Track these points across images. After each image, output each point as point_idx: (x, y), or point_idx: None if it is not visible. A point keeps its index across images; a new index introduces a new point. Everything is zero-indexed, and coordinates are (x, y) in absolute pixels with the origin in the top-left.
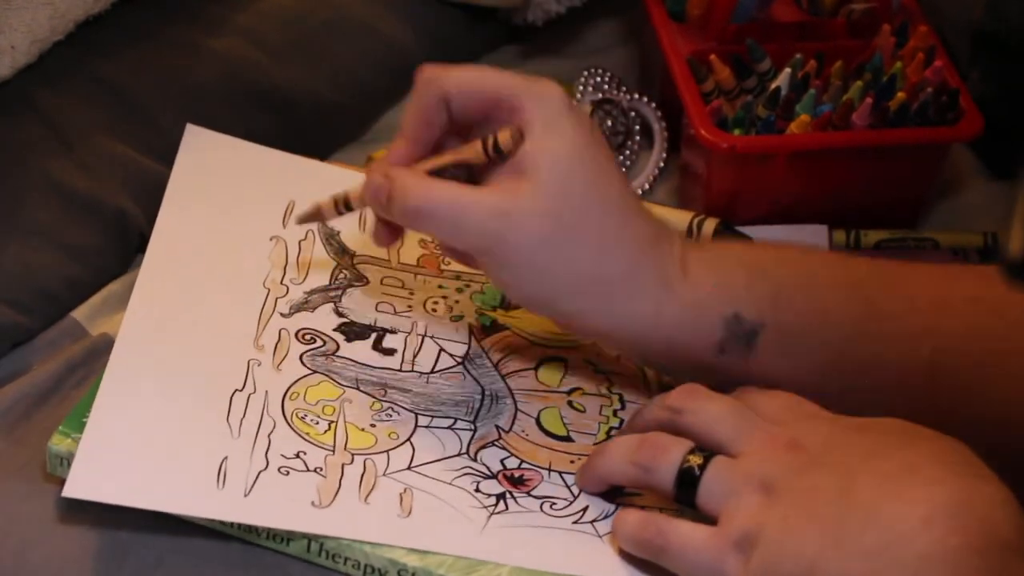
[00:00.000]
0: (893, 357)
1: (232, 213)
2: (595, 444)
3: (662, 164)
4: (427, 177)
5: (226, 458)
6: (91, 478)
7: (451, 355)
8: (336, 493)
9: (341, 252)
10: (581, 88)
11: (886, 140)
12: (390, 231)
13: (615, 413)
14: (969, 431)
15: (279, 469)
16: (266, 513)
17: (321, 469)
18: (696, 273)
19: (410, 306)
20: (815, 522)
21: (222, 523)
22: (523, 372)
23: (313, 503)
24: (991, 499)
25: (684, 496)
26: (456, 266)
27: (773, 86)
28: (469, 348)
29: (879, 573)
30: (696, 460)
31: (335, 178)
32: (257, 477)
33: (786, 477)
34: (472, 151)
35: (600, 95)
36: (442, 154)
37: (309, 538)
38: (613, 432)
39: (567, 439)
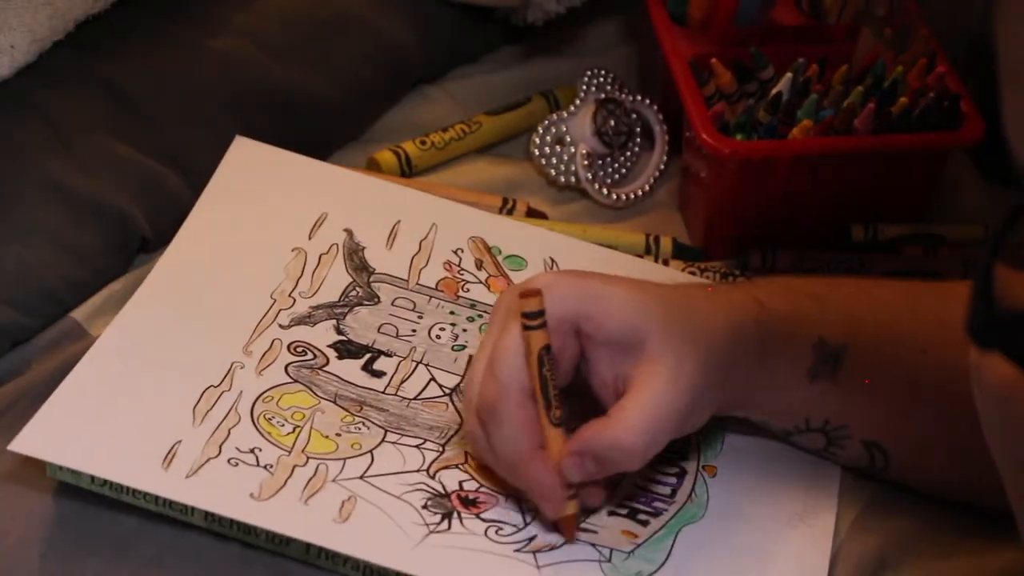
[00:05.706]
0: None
1: (260, 223)
2: None
3: (663, 166)
4: (601, 422)
5: (180, 441)
6: (42, 438)
7: (440, 385)
8: (278, 490)
9: (360, 268)
10: (584, 88)
11: (889, 145)
12: (597, 489)
13: None
14: None
15: (229, 460)
16: (201, 496)
17: (271, 467)
18: (773, 305)
19: (414, 330)
20: None
21: (221, 524)
22: None
23: (252, 495)
24: None
25: None
26: (473, 295)
27: (775, 91)
28: (462, 380)
29: None
30: None
31: (377, 191)
32: (205, 463)
33: None
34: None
35: (603, 95)
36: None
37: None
38: None
39: None
